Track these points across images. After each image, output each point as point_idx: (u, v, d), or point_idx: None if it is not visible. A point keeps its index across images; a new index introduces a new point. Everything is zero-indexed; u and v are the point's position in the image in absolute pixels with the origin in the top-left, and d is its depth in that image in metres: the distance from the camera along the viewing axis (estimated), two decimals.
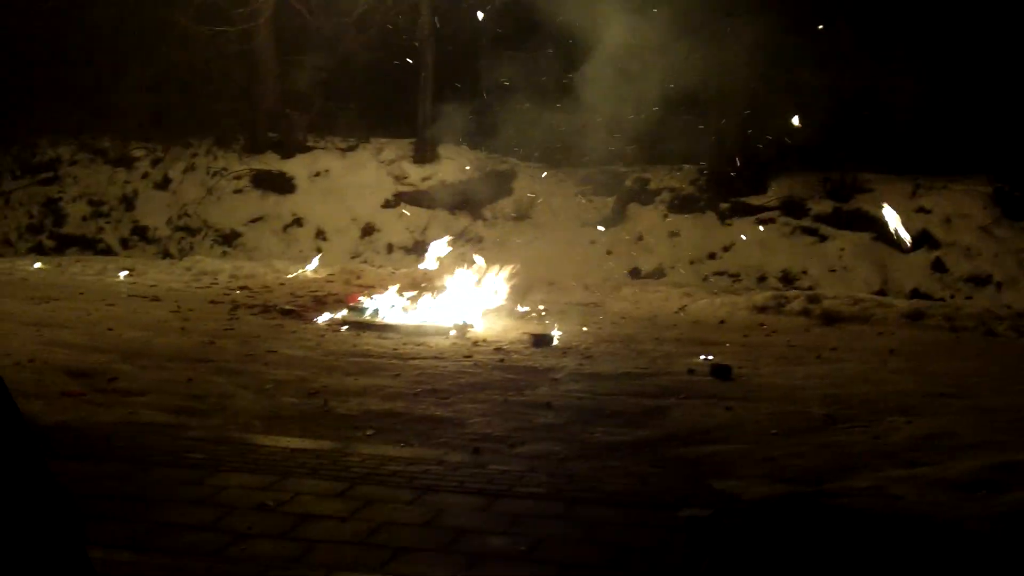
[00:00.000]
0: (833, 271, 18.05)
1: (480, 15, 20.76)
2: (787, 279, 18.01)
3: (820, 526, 5.87)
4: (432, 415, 8.24)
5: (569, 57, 20.46)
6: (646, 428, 8.05)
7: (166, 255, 20.34)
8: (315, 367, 9.99)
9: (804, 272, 18.09)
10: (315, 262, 18.30)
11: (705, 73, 19.77)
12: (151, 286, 16.00)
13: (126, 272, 17.47)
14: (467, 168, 21.15)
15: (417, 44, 21.25)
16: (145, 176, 21.82)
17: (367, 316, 12.89)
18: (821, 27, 19.15)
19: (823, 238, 18.63)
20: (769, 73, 19.08)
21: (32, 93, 21.77)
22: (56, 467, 6.22)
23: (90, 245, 21.02)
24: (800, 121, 18.84)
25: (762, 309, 15.06)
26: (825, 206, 19.00)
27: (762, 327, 13.79)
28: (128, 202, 21.52)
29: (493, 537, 5.45)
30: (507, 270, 15.07)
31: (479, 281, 14.07)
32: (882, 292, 17.08)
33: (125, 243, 21.06)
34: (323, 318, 12.98)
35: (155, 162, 21.93)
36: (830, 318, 14.31)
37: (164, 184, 21.61)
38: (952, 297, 17.01)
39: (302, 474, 6.41)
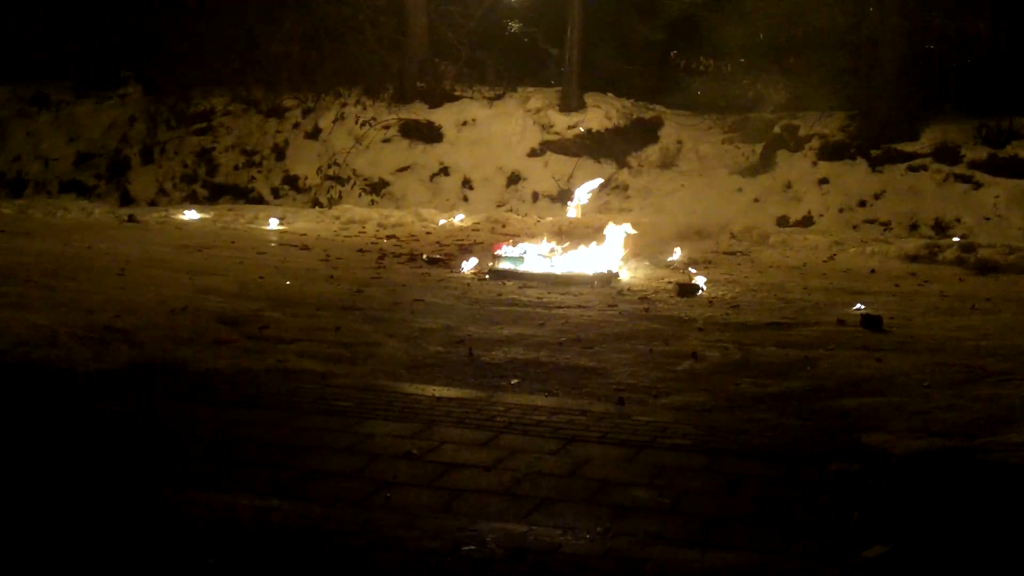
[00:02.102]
0: (987, 219, 17.60)
1: None
2: (940, 228, 17.61)
3: (973, 481, 5.73)
4: (576, 364, 8.22)
5: (715, 2, 20.24)
6: (793, 379, 7.93)
7: (316, 204, 20.63)
8: (460, 316, 10.05)
9: (957, 220, 17.67)
10: (458, 214, 18.37)
11: (857, 16, 19.40)
12: (301, 235, 16.26)
13: (277, 221, 17.75)
14: (613, 116, 21.03)
15: None
16: (296, 126, 22.14)
17: (512, 264, 12.90)
18: None
19: (977, 185, 18.17)
20: (921, 16, 18.62)
21: (187, 45, 22.19)
22: (209, 413, 6.38)
23: (242, 194, 21.42)
24: (953, 65, 18.38)
25: (914, 258, 14.77)
26: (980, 152, 18.51)
27: (914, 277, 13.50)
28: (279, 152, 21.86)
29: (637, 489, 5.41)
30: (653, 218, 14.98)
31: (624, 229, 13.97)
32: None
33: (276, 192, 21.41)
34: (469, 266, 13.04)
35: (306, 112, 22.22)
36: (985, 268, 13.97)
37: (314, 134, 21.89)
38: None
39: (447, 423, 6.44)
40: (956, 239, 16.15)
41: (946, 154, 18.73)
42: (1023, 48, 18.52)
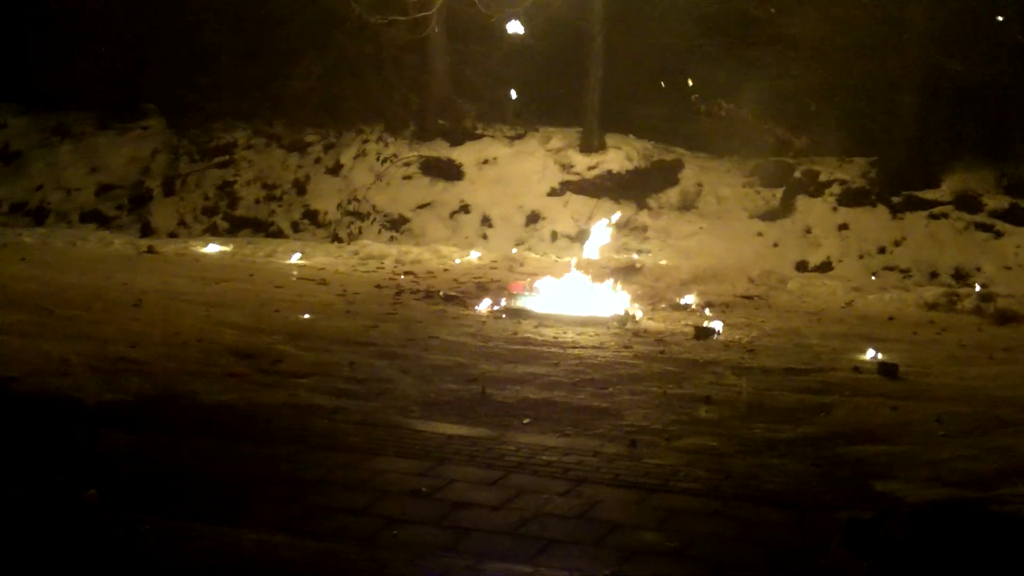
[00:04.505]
0: (1008, 269, 17.52)
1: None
2: (959, 276, 17.53)
3: (986, 533, 5.67)
4: (589, 405, 8.18)
5: (736, 48, 20.26)
6: (808, 425, 7.88)
7: (335, 239, 20.65)
8: (475, 354, 10.03)
9: (978, 269, 17.59)
10: (475, 252, 18.36)
11: (877, 64, 19.40)
12: (319, 269, 16.28)
13: (296, 255, 17.78)
14: (634, 157, 21.04)
15: (587, 30, 21.17)
16: (317, 161, 22.19)
17: (528, 301, 12.88)
18: (1000, 19, 18.60)
19: (998, 234, 18.09)
20: (942, 65, 18.61)
21: (209, 79, 22.32)
22: (217, 446, 6.36)
23: (262, 227, 21.45)
24: (974, 114, 18.36)
25: (933, 306, 14.71)
26: (1001, 201, 18.45)
27: (932, 325, 13.43)
28: (300, 186, 21.90)
29: (646, 532, 5.38)
30: (671, 260, 14.93)
31: (640, 272, 13.92)
32: None
33: (296, 226, 21.44)
34: (485, 305, 13.01)
35: (327, 147, 22.28)
36: (1004, 317, 13.88)
37: (335, 169, 21.93)
38: None
39: (457, 461, 6.41)
40: (976, 288, 16.08)
41: (967, 202, 18.68)
42: None
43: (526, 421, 7.61)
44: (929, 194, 18.88)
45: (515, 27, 19.58)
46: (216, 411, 7.29)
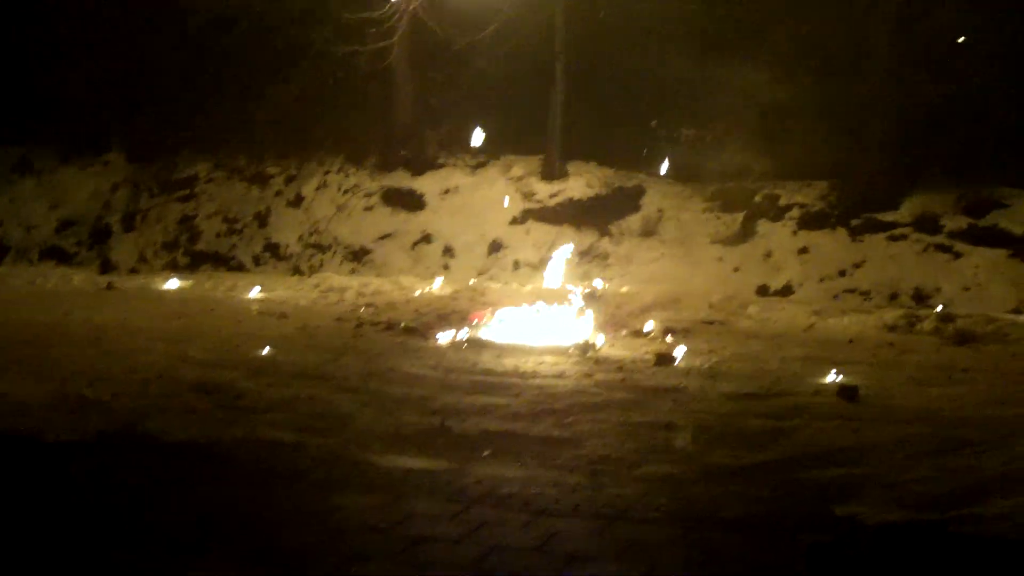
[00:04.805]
0: (967, 289, 17.60)
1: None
2: (919, 297, 17.60)
3: (947, 554, 5.70)
4: (550, 436, 8.18)
5: (695, 73, 20.36)
6: (769, 450, 7.90)
7: (296, 272, 20.59)
8: (435, 386, 10.00)
9: (937, 290, 17.66)
10: (439, 281, 18.34)
11: (841, 87, 19.54)
12: (280, 303, 16.22)
13: (257, 289, 17.71)
14: (595, 185, 21.08)
15: (550, 59, 21.24)
16: (279, 193, 22.14)
17: (490, 334, 12.88)
18: (961, 39, 18.79)
19: (957, 255, 18.19)
20: (902, 87, 18.76)
21: (170, 112, 22.27)
22: (177, 483, 6.33)
23: (223, 262, 21.37)
24: (934, 135, 18.48)
25: (892, 328, 14.76)
26: (960, 222, 18.55)
27: (892, 347, 13.48)
28: (261, 219, 21.84)
29: (606, 563, 5.38)
30: (632, 287, 14.94)
31: (603, 298, 13.94)
32: (1018, 311, 16.59)
33: (257, 260, 21.37)
34: (446, 336, 12.99)
35: (289, 179, 22.24)
36: (963, 338, 13.94)
37: (297, 201, 21.89)
38: None
39: (417, 495, 6.41)
40: (936, 309, 16.15)
41: (926, 224, 18.78)
42: (1000, 117, 18.65)
43: (486, 453, 7.59)
44: (888, 216, 18.97)
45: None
46: (176, 448, 7.25)
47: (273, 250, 21.41)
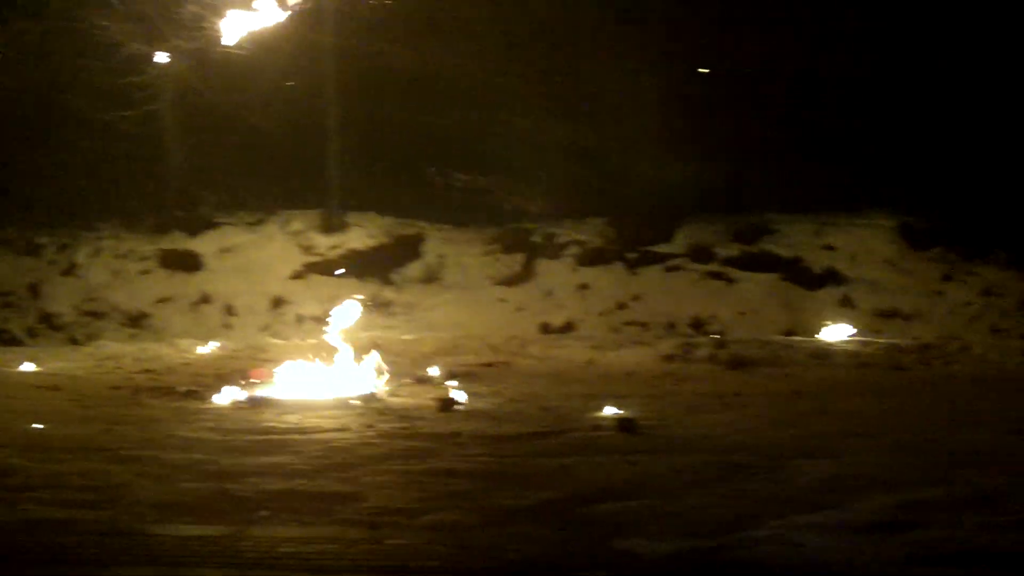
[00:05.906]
0: (743, 314, 18.13)
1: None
2: (696, 325, 18.06)
3: None
4: (331, 491, 8.07)
5: (471, 119, 20.58)
6: (550, 489, 7.94)
7: (73, 341, 20.03)
8: (214, 449, 9.80)
9: (713, 317, 18.15)
10: (218, 342, 18.07)
11: (606, 127, 19.96)
12: (53, 375, 15.72)
13: (30, 363, 17.14)
14: (376, 234, 21.10)
15: (325, 111, 21.22)
16: (51, 263, 21.56)
17: (271, 392, 12.72)
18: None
19: (731, 281, 18.75)
20: (670, 123, 19.27)
21: None
22: None
23: None
24: (703, 168, 19.01)
25: (670, 358, 15.11)
26: (732, 249, 19.14)
27: (670, 376, 13.78)
28: (35, 290, 21.23)
29: None
30: (416, 334, 14.97)
31: (385, 349, 13.92)
32: (791, 332, 17.16)
33: (32, 332, 20.73)
34: (226, 397, 12.77)
35: (61, 247, 21.70)
36: (736, 362, 14.35)
37: (70, 270, 21.36)
38: (860, 333, 17.14)
39: (192, 564, 6.24)
40: (712, 336, 16.57)
41: (700, 253, 19.30)
42: (766, 146, 19.29)
43: (265, 514, 7.46)
44: (663, 248, 19.45)
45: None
46: None
47: (48, 321, 20.81)
